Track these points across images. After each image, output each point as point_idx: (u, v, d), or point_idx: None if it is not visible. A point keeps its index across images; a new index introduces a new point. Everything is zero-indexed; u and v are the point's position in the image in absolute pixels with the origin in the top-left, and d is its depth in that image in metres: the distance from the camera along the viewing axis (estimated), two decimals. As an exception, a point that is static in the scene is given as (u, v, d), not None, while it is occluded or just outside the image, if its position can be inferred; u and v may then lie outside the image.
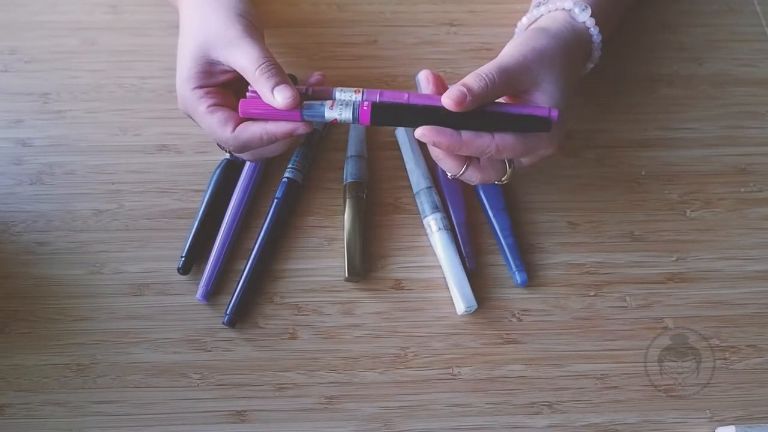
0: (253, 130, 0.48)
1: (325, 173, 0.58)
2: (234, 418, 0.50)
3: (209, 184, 0.56)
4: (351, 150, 0.58)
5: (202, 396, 0.51)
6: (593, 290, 0.55)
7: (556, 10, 0.53)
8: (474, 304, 0.53)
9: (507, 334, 0.54)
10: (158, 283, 0.54)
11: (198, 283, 0.53)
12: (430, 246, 0.55)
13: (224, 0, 0.51)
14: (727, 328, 0.54)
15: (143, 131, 0.59)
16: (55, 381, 0.51)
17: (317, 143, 0.59)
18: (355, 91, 0.48)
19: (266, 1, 0.65)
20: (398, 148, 0.59)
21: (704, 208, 0.58)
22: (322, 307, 0.54)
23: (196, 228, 0.54)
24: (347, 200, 0.56)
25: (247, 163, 0.56)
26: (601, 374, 0.53)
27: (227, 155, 0.56)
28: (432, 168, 0.57)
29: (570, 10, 0.53)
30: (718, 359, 0.53)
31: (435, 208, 0.55)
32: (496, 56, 0.50)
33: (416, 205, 0.57)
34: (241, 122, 0.49)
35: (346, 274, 0.53)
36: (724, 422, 0.52)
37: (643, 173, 0.59)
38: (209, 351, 0.52)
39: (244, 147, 0.49)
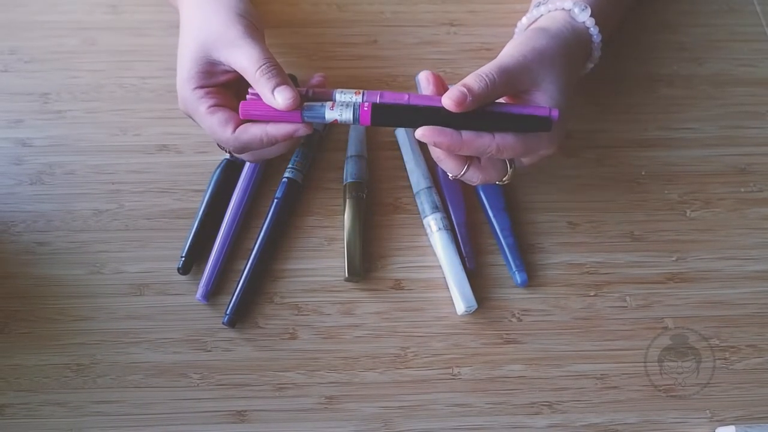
0: (253, 131, 0.48)
1: (325, 173, 0.58)
2: (234, 418, 0.50)
3: (209, 184, 0.56)
4: (351, 150, 0.58)
5: (202, 396, 0.51)
6: (593, 290, 0.55)
7: (556, 10, 0.53)
8: (474, 304, 0.53)
9: (507, 334, 0.54)
10: (158, 283, 0.54)
11: (198, 283, 0.53)
12: (430, 246, 0.55)
13: (225, 0, 0.51)
14: (727, 328, 0.54)
15: (143, 131, 0.59)
16: (55, 381, 0.51)
17: (317, 143, 0.59)
18: (355, 93, 0.48)
19: (266, 1, 0.65)
20: (398, 148, 0.59)
21: (704, 208, 0.58)
22: (322, 307, 0.54)
23: (196, 228, 0.54)
24: (347, 200, 0.56)
25: (247, 163, 0.56)
26: (601, 374, 0.53)
27: (227, 155, 0.56)
28: (432, 168, 0.57)
29: (570, 10, 0.53)
30: (718, 359, 0.53)
31: (435, 208, 0.55)
32: (496, 56, 0.50)
33: (416, 205, 0.57)
34: (242, 123, 0.49)
35: (346, 274, 0.53)
36: (724, 422, 0.52)
37: (643, 173, 0.59)
38: (209, 351, 0.52)
39: (245, 148, 0.49)
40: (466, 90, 0.46)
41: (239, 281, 0.53)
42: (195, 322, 0.53)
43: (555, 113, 0.47)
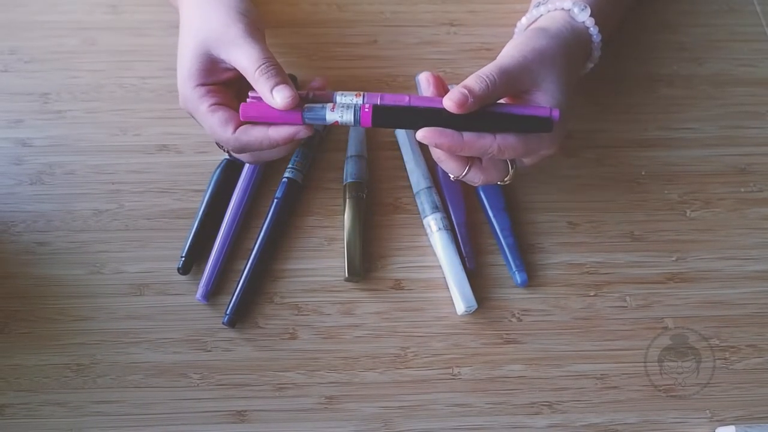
0: (254, 133, 0.48)
1: (325, 173, 0.58)
2: (234, 418, 0.50)
3: (209, 184, 0.56)
4: (351, 150, 0.58)
5: (202, 396, 0.51)
6: (593, 290, 0.55)
7: (556, 10, 0.53)
8: (474, 304, 0.53)
9: (507, 334, 0.54)
10: (158, 283, 0.54)
11: (198, 283, 0.53)
12: (430, 246, 0.55)
13: None
14: (727, 328, 0.54)
15: (143, 131, 0.59)
16: (55, 381, 0.51)
17: (317, 143, 0.59)
18: (355, 95, 0.48)
19: (266, 1, 0.65)
20: (398, 148, 0.59)
21: (704, 208, 0.58)
22: (322, 307, 0.54)
23: (196, 228, 0.54)
24: (347, 200, 0.56)
25: (247, 163, 0.56)
26: (601, 374, 0.53)
27: (226, 155, 0.56)
28: (432, 168, 0.57)
29: (569, 10, 0.53)
30: (718, 359, 0.53)
31: (435, 208, 0.55)
32: (496, 56, 0.50)
33: (416, 205, 0.57)
34: (243, 123, 0.49)
35: (346, 274, 0.53)
36: (724, 422, 0.51)
37: (643, 173, 0.59)
38: (209, 351, 0.52)
39: (244, 148, 0.49)
40: (467, 91, 0.46)
41: (239, 281, 0.53)
42: (195, 322, 0.53)
43: (556, 113, 0.47)
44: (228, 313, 0.52)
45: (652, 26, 0.66)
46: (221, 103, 0.49)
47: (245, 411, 0.51)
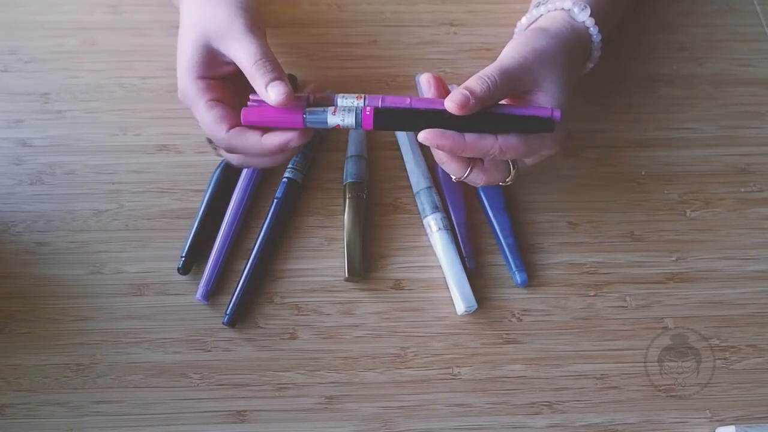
0: (247, 137, 0.48)
1: (325, 173, 0.58)
2: (234, 418, 0.50)
3: (209, 184, 0.56)
4: (351, 150, 0.58)
5: (202, 396, 0.51)
6: (593, 290, 0.55)
7: (556, 10, 0.53)
8: (474, 304, 0.53)
9: (507, 334, 0.54)
10: (158, 283, 0.54)
11: (198, 283, 0.53)
12: (430, 246, 0.55)
13: None
14: (727, 328, 0.54)
15: (143, 131, 0.59)
16: (55, 381, 0.51)
17: (317, 143, 0.59)
18: (357, 97, 0.48)
19: (266, 1, 0.65)
20: (398, 148, 0.59)
21: (704, 208, 0.58)
22: (322, 307, 0.54)
23: (196, 228, 0.54)
24: (347, 200, 0.56)
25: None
26: (601, 374, 0.53)
27: (216, 154, 0.55)
28: (432, 168, 0.57)
29: (569, 9, 0.53)
30: (718, 359, 0.53)
31: (435, 208, 0.55)
32: (496, 56, 0.50)
33: (416, 205, 0.57)
34: (237, 123, 0.48)
35: (346, 274, 0.53)
36: (724, 422, 0.51)
37: (643, 173, 0.59)
38: (209, 351, 0.52)
39: (235, 149, 0.49)
40: (468, 93, 0.46)
41: (239, 281, 0.53)
42: (195, 322, 0.53)
43: (557, 113, 0.47)
44: (228, 313, 0.52)
45: (652, 26, 0.66)
46: (219, 100, 0.49)
47: (245, 411, 0.51)
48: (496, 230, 0.56)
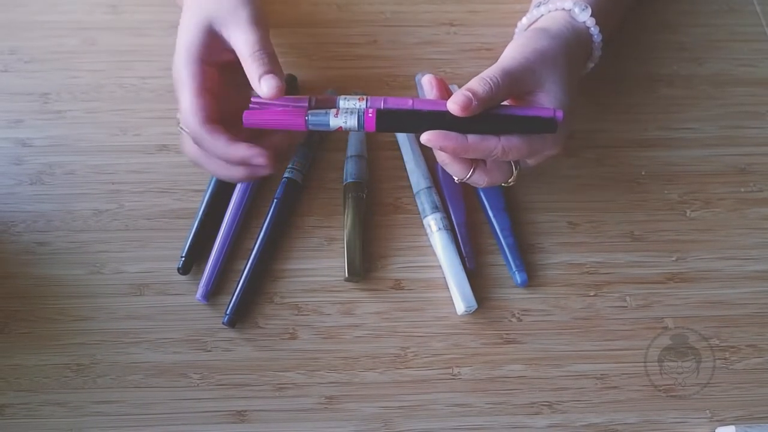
0: (218, 138, 0.47)
1: (325, 173, 0.58)
2: (234, 418, 0.50)
3: (209, 184, 0.56)
4: (351, 150, 0.58)
5: (202, 396, 0.51)
6: (593, 290, 0.55)
7: (556, 10, 0.53)
8: (474, 304, 0.53)
9: (507, 334, 0.54)
10: (158, 283, 0.54)
11: (198, 283, 0.53)
12: (430, 246, 0.55)
13: None
14: (727, 328, 0.54)
15: (143, 131, 0.59)
16: (55, 381, 0.51)
17: (317, 143, 0.59)
18: (359, 99, 0.48)
19: (267, 1, 0.64)
20: (398, 148, 0.59)
21: (704, 208, 0.58)
22: (322, 307, 0.54)
23: (196, 228, 0.54)
24: (347, 200, 0.56)
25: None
26: (601, 374, 0.53)
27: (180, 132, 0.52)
28: (432, 168, 0.57)
29: (570, 10, 0.53)
30: (718, 359, 0.53)
31: (435, 208, 0.55)
32: (497, 56, 0.50)
33: (416, 205, 0.57)
34: (216, 120, 0.47)
35: (346, 274, 0.53)
36: (724, 422, 0.51)
37: (643, 173, 0.59)
38: (209, 351, 0.52)
39: (200, 143, 0.48)
40: (471, 94, 0.46)
41: (239, 281, 0.53)
42: (195, 322, 0.53)
43: (559, 114, 0.47)
44: (228, 313, 0.52)
45: (652, 26, 0.66)
46: (210, 88, 0.48)
47: (245, 411, 0.51)
48: (496, 230, 0.56)
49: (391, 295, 0.54)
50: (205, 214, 0.55)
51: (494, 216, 0.56)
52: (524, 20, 0.55)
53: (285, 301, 0.54)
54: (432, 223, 0.55)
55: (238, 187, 0.56)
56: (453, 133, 0.46)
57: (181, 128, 0.50)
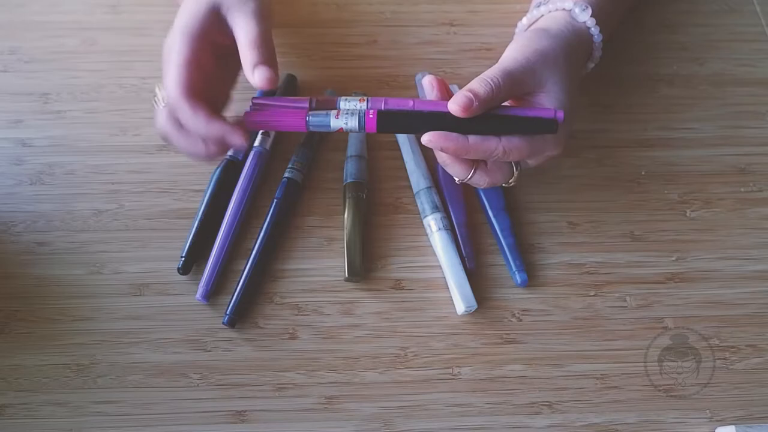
0: (197, 113, 0.46)
1: (325, 173, 0.58)
2: (234, 418, 0.50)
3: (209, 184, 0.56)
4: (351, 150, 0.58)
5: (202, 396, 0.51)
6: (593, 290, 0.55)
7: (557, 10, 0.53)
8: (474, 304, 0.53)
9: (507, 334, 0.54)
10: (158, 283, 0.54)
11: (198, 283, 0.53)
12: (430, 246, 0.55)
13: None
14: (727, 328, 0.54)
15: (143, 131, 0.59)
16: (55, 381, 0.51)
17: (317, 143, 0.59)
18: (359, 100, 0.48)
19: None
20: (398, 148, 0.59)
21: (704, 208, 0.58)
22: (322, 307, 0.54)
23: (196, 228, 0.54)
24: (347, 200, 0.56)
25: (247, 163, 0.56)
26: (601, 374, 0.53)
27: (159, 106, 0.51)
28: (432, 168, 0.57)
29: (570, 10, 0.53)
30: (718, 359, 0.53)
31: (435, 208, 0.55)
32: (497, 56, 0.50)
33: (416, 205, 0.57)
34: (199, 96, 0.47)
35: (346, 274, 0.53)
36: (724, 422, 0.51)
37: (643, 173, 0.59)
38: (209, 351, 0.52)
39: (177, 115, 0.47)
40: (472, 95, 0.46)
41: (239, 281, 0.53)
42: (195, 322, 0.53)
43: (560, 114, 0.47)
44: (228, 313, 0.52)
45: (652, 26, 0.66)
46: (198, 66, 0.48)
47: (245, 411, 0.51)
48: (496, 230, 0.56)
49: (391, 295, 0.54)
50: (205, 214, 0.55)
51: (494, 216, 0.56)
52: (524, 20, 0.55)
53: (285, 301, 0.54)
54: (432, 223, 0.55)
55: (239, 187, 0.56)
56: (454, 134, 0.46)
57: (156, 102, 0.50)
